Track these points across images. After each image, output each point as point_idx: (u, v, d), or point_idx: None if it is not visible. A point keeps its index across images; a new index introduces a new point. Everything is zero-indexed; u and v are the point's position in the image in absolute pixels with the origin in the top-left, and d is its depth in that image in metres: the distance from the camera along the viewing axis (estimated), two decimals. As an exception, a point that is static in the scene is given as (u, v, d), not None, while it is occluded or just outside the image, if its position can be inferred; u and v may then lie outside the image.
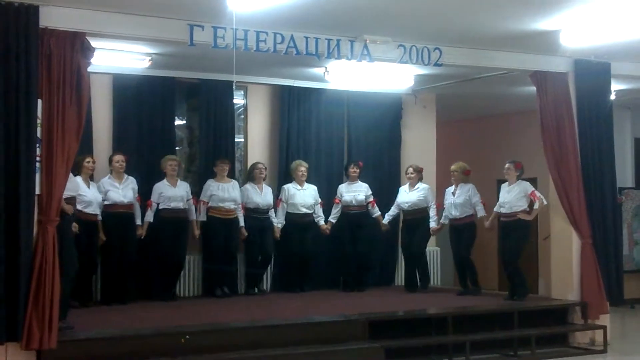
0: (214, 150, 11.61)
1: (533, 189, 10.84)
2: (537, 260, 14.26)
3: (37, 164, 7.70)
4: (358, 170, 11.99)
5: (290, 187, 11.76)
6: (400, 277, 12.67)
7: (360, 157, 12.62)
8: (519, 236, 10.83)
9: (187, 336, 8.24)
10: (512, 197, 10.80)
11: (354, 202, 11.94)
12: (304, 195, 11.77)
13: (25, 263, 7.56)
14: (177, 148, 11.67)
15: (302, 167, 11.77)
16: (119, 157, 10.48)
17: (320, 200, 11.93)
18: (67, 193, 8.25)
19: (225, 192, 11.12)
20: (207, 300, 10.97)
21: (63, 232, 8.14)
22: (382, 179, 12.67)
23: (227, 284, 11.35)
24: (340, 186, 12.07)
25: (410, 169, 11.94)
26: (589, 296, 10.53)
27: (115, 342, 8.09)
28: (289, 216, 11.72)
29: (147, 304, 10.46)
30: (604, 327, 10.47)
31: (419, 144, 13.29)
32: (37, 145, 7.72)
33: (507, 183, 10.97)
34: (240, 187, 11.49)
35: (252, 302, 10.89)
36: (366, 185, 12.07)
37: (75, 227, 9.05)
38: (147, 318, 9.45)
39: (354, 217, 11.95)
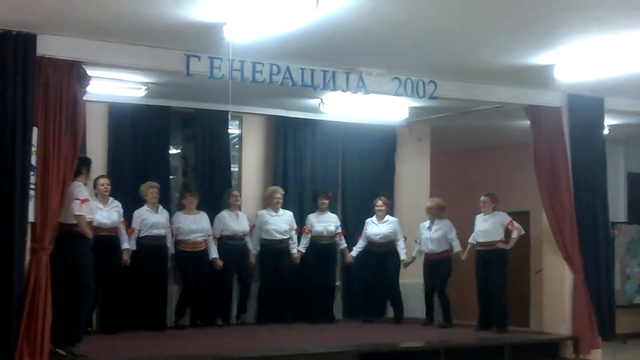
0: (209, 179, 11.61)
1: (510, 219, 10.98)
2: (529, 294, 14.24)
3: (32, 192, 7.71)
4: (327, 202, 11.96)
5: (265, 213, 11.68)
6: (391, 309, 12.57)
7: (354, 187, 12.68)
8: (500, 267, 10.93)
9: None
10: (489, 226, 10.97)
11: (324, 232, 11.90)
12: (278, 221, 11.68)
13: (17, 291, 7.54)
14: (171, 177, 11.67)
15: (277, 193, 11.69)
16: (103, 181, 10.34)
17: (295, 227, 11.87)
18: (89, 217, 8.40)
19: (192, 224, 11.00)
20: (194, 330, 10.82)
21: (85, 254, 8.32)
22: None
23: (201, 315, 11.17)
24: (309, 216, 11.99)
25: (380, 202, 11.96)
26: (581, 330, 10.53)
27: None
28: (264, 242, 11.63)
29: (133, 334, 10.26)
30: (596, 362, 10.48)
31: (413, 175, 13.31)
32: (32, 172, 7.73)
33: (482, 214, 11.12)
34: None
35: (238, 332, 10.83)
36: (335, 216, 12.10)
37: None
38: (139, 346, 9.35)
39: (325, 247, 11.92)
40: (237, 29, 7.61)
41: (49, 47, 7.92)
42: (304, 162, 12.40)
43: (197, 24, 7.66)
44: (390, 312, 12.47)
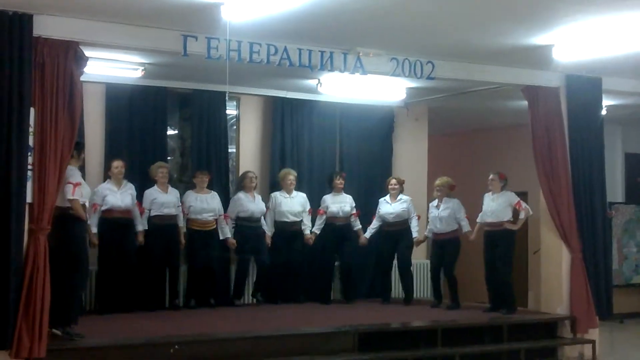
0: (206, 160, 11.61)
1: (518, 199, 10.87)
2: (527, 274, 14.29)
3: (29, 173, 7.70)
4: (343, 182, 11.99)
5: (278, 195, 11.75)
6: (396, 290, 12.60)
7: (352, 168, 12.66)
8: (507, 248, 10.82)
9: (177, 346, 8.23)
10: (497, 206, 10.84)
11: (340, 213, 11.92)
12: (292, 203, 11.75)
13: (15, 272, 7.54)
14: (169, 158, 11.66)
15: (290, 175, 11.78)
16: (117, 163, 10.47)
17: (309, 208, 11.92)
18: (83, 200, 8.40)
19: (204, 203, 11.08)
20: (200, 310, 10.88)
21: (81, 237, 8.36)
22: (373, 190, 12.63)
23: (210, 295, 11.25)
24: (324, 197, 12.04)
25: (394, 181, 11.93)
26: (578, 310, 10.56)
27: (104, 351, 8.07)
28: (277, 224, 11.70)
29: (143, 314, 10.34)
30: (592, 342, 10.52)
31: (411, 156, 13.32)
32: (29, 153, 7.72)
33: (490, 193, 11.02)
34: (231, 197, 11.51)
35: (243, 312, 10.88)
36: (350, 196, 12.07)
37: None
38: (139, 327, 9.40)
39: (340, 228, 11.95)
40: (235, 9, 7.58)
41: (46, 27, 7.88)
42: (302, 143, 12.40)
43: (194, 4, 7.64)
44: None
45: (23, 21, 7.70)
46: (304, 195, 11.96)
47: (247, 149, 12.25)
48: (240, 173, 11.93)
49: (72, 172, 8.30)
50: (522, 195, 11.19)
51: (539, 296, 11.40)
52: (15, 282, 7.55)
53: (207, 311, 10.87)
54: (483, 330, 10.19)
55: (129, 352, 8.14)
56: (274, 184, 12.07)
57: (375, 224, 12.01)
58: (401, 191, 11.92)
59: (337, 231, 11.93)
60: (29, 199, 7.70)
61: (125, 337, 8.66)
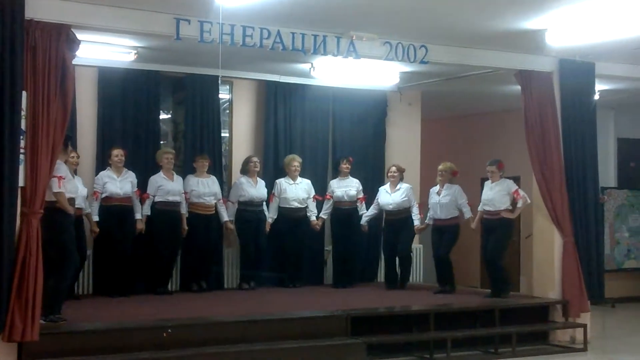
0: (200, 144, 11.60)
1: (517, 187, 10.85)
2: (519, 259, 14.33)
3: (21, 156, 7.68)
4: (349, 166, 12.01)
5: (283, 182, 11.79)
6: (382, 274, 12.69)
7: (345, 153, 12.64)
8: (502, 234, 10.83)
9: (170, 330, 8.25)
10: (495, 194, 10.80)
11: (345, 197, 11.95)
12: (296, 190, 11.79)
13: (8, 255, 7.53)
14: (161, 142, 11.65)
15: (295, 161, 11.81)
16: (117, 152, 10.53)
17: (314, 194, 11.95)
18: (69, 195, 8.41)
19: (205, 187, 11.13)
20: (193, 295, 10.94)
21: (66, 230, 8.25)
22: (366, 175, 12.66)
23: (207, 279, 11.33)
24: (331, 182, 12.11)
25: (394, 168, 11.86)
26: (570, 294, 10.59)
27: (97, 335, 8.08)
28: (282, 210, 11.74)
29: (138, 298, 10.43)
30: (584, 326, 10.55)
31: (404, 141, 13.32)
32: (21, 137, 7.69)
33: (489, 181, 10.99)
34: (225, 181, 11.52)
35: (236, 297, 10.92)
36: (357, 180, 12.10)
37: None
38: (133, 311, 9.42)
39: (345, 212, 11.96)
40: (227, -8, 7.56)
41: (38, 10, 7.83)
42: (295, 127, 12.39)
43: (186, -13, 7.62)
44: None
45: (15, 4, 7.64)
46: (309, 181, 12.00)
47: (240, 133, 12.24)
48: (234, 157, 11.98)
49: (58, 166, 8.21)
50: (515, 180, 11.19)
51: (531, 281, 11.42)
52: (8, 265, 7.53)
53: (200, 295, 10.90)
54: (475, 314, 10.22)
55: (122, 335, 8.14)
56: (267, 168, 12.07)
57: (371, 211, 11.96)
58: (401, 179, 11.84)
59: (341, 215, 11.95)
60: (21, 183, 7.67)
61: (119, 321, 8.67)
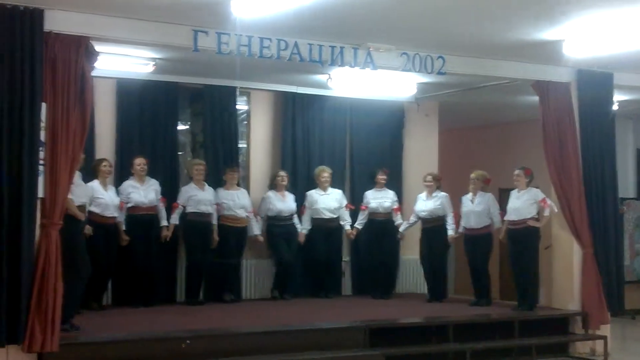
0: (217, 155, 11.62)
1: (544, 196, 10.69)
2: (538, 270, 14.24)
3: (41, 168, 7.73)
4: (385, 177, 12.02)
5: (313, 193, 11.86)
6: (402, 284, 12.64)
7: (362, 164, 12.68)
8: (531, 245, 10.70)
9: (188, 341, 8.26)
10: (522, 203, 10.68)
11: (380, 209, 11.94)
12: (327, 200, 11.84)
13: (27, 266, 7.57)
14: (179, 153, 11.68)
15: (325, 172, 11.87)
16: (140, 160, 10.60)
17: (346, 203, 12.00)
18: (79, 200, 8.38)
19: (235, 199, 11.18)
20: (213, 305, 10.93)
21: (75, 236, 8.26)
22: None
23: (234, 290, 11.39)
24: (366, 193, 12.10)
25: (429, 177, 11.73)
26: (590, 306, 10.54)
27: (116, 346, 8.12)
28: (314, 221, 11.81)
29: (159, 308, 10.44)
30: (604, 338, 10.48)
31: (421, 151, 13.29)
32: (41, 148, 7.74)
33: (516, 190, 10.88)
34: (249, 191, 11.58)
35: (258, 308, 10.95)
36: (393, 192, 12.09)
37: (88, 229, 9.29)
38: (153, 322, 9.44)
39: (379, 223, 11.95)
40: (245, 4, 7.57)
41: (57, 22, 7.89)
42: (312, 138, 12.39)
43: (204, -1, 7.64)
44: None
45: (34, 16, 7.72)
46: (340, 191, 12.07)
47: (258, 145, 12.26)
48: (251, 168, 12.08)
49: None
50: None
51: (550, 292, 11.36)
52: (27, 276, 7.58)
53: (219, 306, 10.91)
54: (494, 326, 10.17)
55: (141, 346, 8.17)
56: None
57: (412, 220, 11.90)
58: (438, 187, 11.74)
59: (377, 226, 11.95)
60: (40, 194, 7.72)
61: (138, 332, 8.68)
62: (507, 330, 10.10)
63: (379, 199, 11.98)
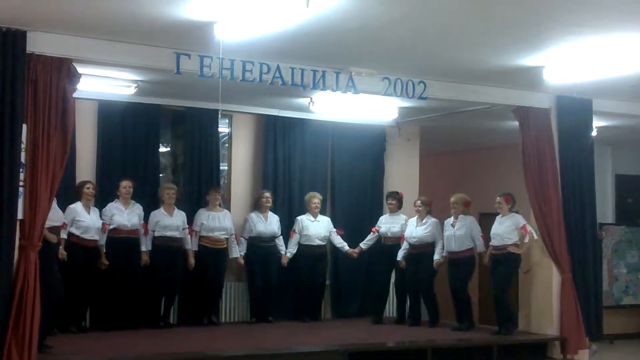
0: (198, 177, 11.61)
1: (525, 222, 10.71)
2: (517, 294, 14.27)
3: (21, 189, 7.70)
4: (394, 202, 11.98)
5: (304, 219, 11.84)
6: (389, 309, 12.59)
7: (343, 187, 12.70)
8: (507, 269, 10.73)
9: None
10: (504, 229, 10.71)
11: (388, 233, 11.88)
12: (317, 227, 11.85)
13: (5, 288, 7.53)
14: (160, 175, 11.66)
15: (315, 198, 11.87)
16: (126, 183, 10.57)
17: (334, 229, 12.01)
18: (50, 223, 8.30)
19: (216, 222, 11.15)
20: (192, 328, 10.87)
21: (46, 259, 8.18)
22: (365, 210, 12.68)
23: (217, 313, 11.36)
24: (381, 217, 12.12)
25: (419, 202, 11.69)
26: (569, 331, 10.58)
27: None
28: (303, 248, 11.77)
29: (139, 332, 10.36)
30: (582, 362, 10.53)
31: (402, 176, 13.31)
32: (21, 170, 7.72)
33: (500, 215, 10.91)
34: (230, 213, 11.53)
35: (239, 331, 10.92)
36: (405, 217, 11.93)
37: (62, 254, 9.19)
38: (132, 345, 9.38)
39: (387, 248, 11.86)
40: (228, 27, 7.62)
41: (39, 44, 7.91)
42: (294, 161, 12.39)
43: (187, 22, 7.66)
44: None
45: (16, 37, 7.73)
46: (328, 218, 12.11)
47: (239, 167, 12.25)
48: (232, 190, 12.06)
49: None
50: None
51: (529, 316, 11.38)
52: (5, 297, 7.53)
53: (198, 329, 10.84)
54: (473, 350, 10.19)
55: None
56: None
57: (405, 245, 11.72)
58: (428, 212, 11.68)
59: (386, 250, 11.92)
60: (20, 216, 7.69)
61: (115, 355, 8.64)
62: (487, 355, 10.12)
63: (389, 224, 11.93)
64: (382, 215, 12.25)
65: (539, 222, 10.66)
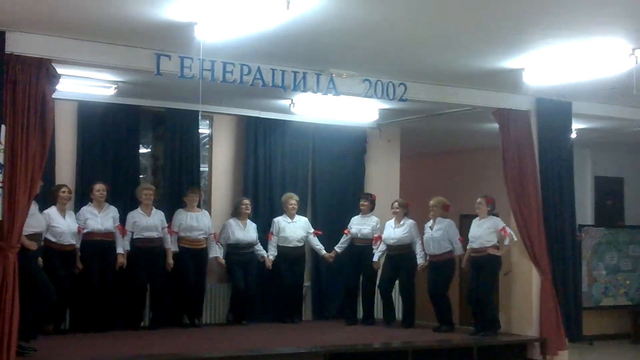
0: (178, 179, 11.58)
1: (504, 225, 10.74)
2: (498, 296, 14.31)
3: (-1, 190, 7.66)
4: (365, 203, 11.97)
5: (281, 220, 11.82)
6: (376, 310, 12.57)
7: (323, 189, 12.70)
8: (491, 272, 10.75)
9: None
10: (482, 231, 10.74)
11: (359, 235, 11.88)
12: (294, 228, 11.82)
13: (-17, 290, 7.49)
14: (141, 176, 11.61)
15: (292, 199, 11.84)
16: (99, 186, 10.49)
17: (312, 230, 11.99)
18: (30, 230, 8.26)
19: (194, 221, 11.12)
20: (172, 330, 10.83)
21: (29, 265, 8.14)
22: (345, 211, 12.64)
23: (199, 314, 11.33)
24: (353, 218, 12.09)
25: (396, 204, 11.72)
26: (548, 332, 10.62)
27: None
28: (280, 249, 11.74)
29: (117, 334, 10.31)
30: (562, 363, 10.57)
31: (383, 177, 13.33)
32: (0, 171, 7.67)
33: (477, 218, 10.95)
34: (210, 215, 11.53)
35: (220, 332, 10.89)
36: (377, 219, 11.96)
37: (39, 262, 9.08)
38: (111, 348, 9.36)
39: (357, 249, 11.90)
40: (208, 29, 7.60)
41: (18, 44, 7.86)
42: (274, 163, 12.37)
43: (168, 23, 7.64)
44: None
45: (-5, 38, 7.68)
46: (305, 219, 12.08)
47: (220, 168, 12.23)
48: (213, 192, 12.04)
49: None
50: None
51: (509, 318, 11.42)
52: (-17, 300, 7.49)
53: (179, 330, 10.82)
54: (453, 351, 10.21)
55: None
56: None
57: (382, 247, 11.75)
58: (405, 214, 11.70)
59: (355, 252, 11.94)
60: (-2, 217, 7.65)
61: (93, 356, 8.61)
62: (466, 356, 10.14)
63: (360, 225, 11.94)
64: (377, 218, 12.12)
65: (519, 223, 10.69)
